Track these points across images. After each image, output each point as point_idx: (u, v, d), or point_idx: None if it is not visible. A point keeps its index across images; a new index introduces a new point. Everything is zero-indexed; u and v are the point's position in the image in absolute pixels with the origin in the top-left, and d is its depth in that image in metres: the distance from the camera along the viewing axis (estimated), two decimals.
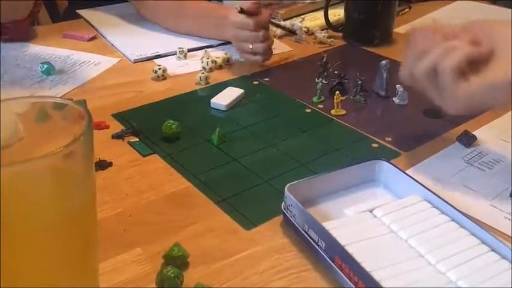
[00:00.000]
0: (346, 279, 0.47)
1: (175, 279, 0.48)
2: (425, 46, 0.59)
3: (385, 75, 0.83)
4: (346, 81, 0.85)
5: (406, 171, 0.61)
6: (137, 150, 0.69)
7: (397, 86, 0.81)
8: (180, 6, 1.03)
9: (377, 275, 0.46)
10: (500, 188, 0.63)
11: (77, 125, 0.38)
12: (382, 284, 0.45)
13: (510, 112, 0.78)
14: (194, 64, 0.94)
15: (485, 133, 0.73)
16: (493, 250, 0.50)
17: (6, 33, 0.99)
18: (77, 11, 1.17)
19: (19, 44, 1.01)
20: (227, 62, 0.95)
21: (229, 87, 0.84)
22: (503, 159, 0.68)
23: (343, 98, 0.79)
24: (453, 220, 0.54)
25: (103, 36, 1.07)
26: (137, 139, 0.71)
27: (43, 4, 1.32)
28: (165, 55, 0.98)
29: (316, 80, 0.85)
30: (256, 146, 0.71)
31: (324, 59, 0.88)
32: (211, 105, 0.80)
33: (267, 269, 0.51)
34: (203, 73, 0.88)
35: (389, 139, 0.72)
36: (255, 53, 0.92)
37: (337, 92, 0.79)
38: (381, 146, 0.71)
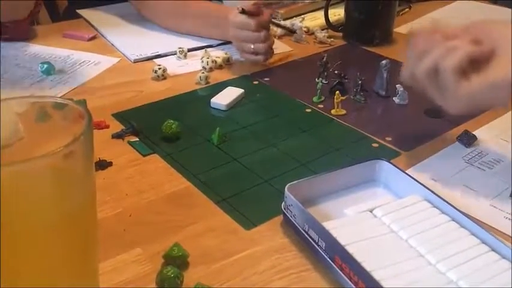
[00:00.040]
0: (347, 279, 0.47)
1: (175, 279, 0.48)
2: (426, 46, 0.59)
3: (385, 75, 0.83)
4: (346, 81, 0.85)
5: (406, 171, 0.61)
6: (137, 150, 0.69)
7: (397, 85, 0.81)
8: (180, 6, 1.03)
9: (377, 275, 0.46)
10: (500, 187, 0.63)
11: (77, 124, 0.38)
12: (383, 283, 0.45)
13: (510, 112, 0.78)
14: (194, 64, 0.94)
15: (486, 133, 0.73)
16: (493, 250, 0.50)
17: (7, 32, 0.99)
18: (77, 10, 1.17)
19: (19, 43, 1.01)
20: (227, 62, 0.95)
21: (229, 87, 0.84)
22: (504, 159, 0.68)
23: (344, 97, 0.79)
24: (453, 220, 0.54)
25: (103, 36, 1.07)
26: (137, 139, 0.71)
27: (43, 4, 1.32)
28: (165, 55, 0.98)
29: (316, 79, 0.85)
30: (256, 146, 0.71)
31: (324, 59, 0.88)
32: (211, 105, 0.80)
33: (267, 269, 0.51)
34: (203, 73, 0.88)
35: (390, 139, 0.72)
36: (256, 53, 0.92)
37: (338, 91, 0.79)
38: (381, 145, 0.71)
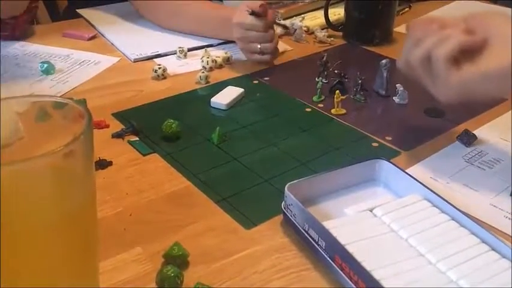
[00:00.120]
0: (347, 278, 0.47)
1: (175, 279, 0.48)
2: (421, 34, 0.60)
3: (385, 75, 0.83)
4: (346, 80, 0.85)
5: (406, 171, 0.61)
6: (137, 150, 0.69)
7: (397, 85, 0.81)
8: (180, 7, 1.03)
9: (377, 274, 0.46)
10: (500, 187, 0.63)
11: (77, 124, 0.38)
12: (383, 283, 0.45)
13: (510, 111, 0.78)
14: (194, 63, 0.94)
15: (486, 132, 0.73)
16: (493, 249, 0.50)
17: (6, 29, 0.99)
18: (77, 10, 1.17)
19: (19, 43, 1.01)
20: (227, 61, 0.95)
21: (229, 87, 0.84)
22: (504, 159, 0.68)
23: (343, 97, 0.79)
24: (453, 219, 0.54)
25: (103, 35, 1.06)
26: (137, 138, 0.71)
27: (43, 3, 1.32)
28: (165, 54, 0.98)
29: (316, 79, 0.85)
30: (256, 145, 0.71)
31: (324, 58, 0.88)
32: (212, 105, 0.80)
33: (267, 268, 0.51)
34: (203, 72, 0.88)
35: (390, 138, 0.72)
36: (262, 53, 0.92)
37: (338, 91, 0.79)
38: (381, 145, 0.71)
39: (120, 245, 0.53)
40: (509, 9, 1.13)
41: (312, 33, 1.08)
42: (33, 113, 0.40)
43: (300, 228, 0.53)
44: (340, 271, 0.48)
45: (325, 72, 0.87)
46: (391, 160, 0.62)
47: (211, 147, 0.70)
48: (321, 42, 1.05)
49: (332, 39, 1.05)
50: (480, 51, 0.57)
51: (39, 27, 1.17)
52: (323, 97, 0.82)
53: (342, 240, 0.49)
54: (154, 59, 0.96)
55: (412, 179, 0.58)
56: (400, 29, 1.08)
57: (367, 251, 0.50)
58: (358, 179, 0.61)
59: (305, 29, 1.08)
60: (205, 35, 1.02)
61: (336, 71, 0.85)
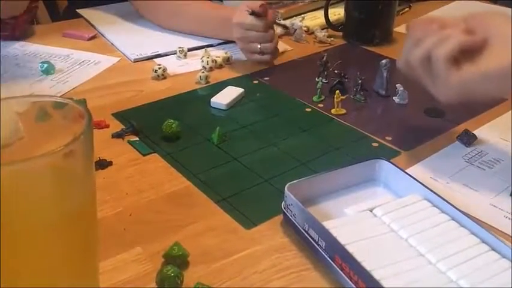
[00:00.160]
0: (347, 278, 0.47)
1: (175, 279, 0.48)
2: (421, 34, 0.60)
3: (385, 75, 0.83)
4: (346, 80, 0.85)
5: (406, 171, 0.61)
6: (137, 150, 0.69)
7: (397, 85, 0.81)
8: (180, 7, 1.03)
9: (377, 274, 0.46)
10: (500, 187, 0.63)
11: (77, 124, 0.38)
12: (383, 283, 0.45)
13: (510, 111, 0.78)
14: (194, 63, 0.94)
15: (486, 132, 0.73)
16: (493, 249, 0.50)
17: (6, 29, 0.99)
18: (77, 10, 1.17)
19: (19, 43, 1.01)
20: (227, 61, 0.95)
21: (229, 87, 0.84)
22: (504, 159, 0.68)
23: (343, 97, 0.79)
24: (453, 219, 0.54)
25: (103, 35, 1.07)
26: (137, 138, 0.71)
27: (43, 3, 1.32)
28: (165, 54, 0.98)
29: (316, 79, 0.85)
30: (256, 145, 0.71)
31: (324, 58, 0.88)
32: (212, 105, 0.80)
33: (267, 268, 0.51)
34: (203, 72, 0.88)
35: (390, 138, 0.72)
36: (263, 53, 0.92)
37: (337, 91, 0.79)
38: (381, 145, 0.71)
39: (120, 245, 0.53)
40: (509, 9, 1.13)
41: (312, 33, 1.08)
42: (33, 113, 0.40)
43: (300, 228, 0.53)
44: (340, 271, 0.48)
45: (325, 72, 0.87)
46: (391, 160, 0.62)
47: (211, 147, 0.70)
48: (321, 42, 1.05)
49: (332, 39, 1.05)
50: (480, 51, 0.57)
51: (39, 27, 1.17)
52: (323, 97, 0.82)
53: (342, 240, 0.49)
54: (154, 59, 0.96)
55: (412, 179, 0.58)
56: (400, 29, 1.08)
57: (367, 251, 0.50)
58: (358, 179, 0.61)
59: (305, 29, 1.08)
60: (205, 35, 1.02)
61: (336, 71, 0.85)
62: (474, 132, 0.72)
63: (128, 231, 0.55)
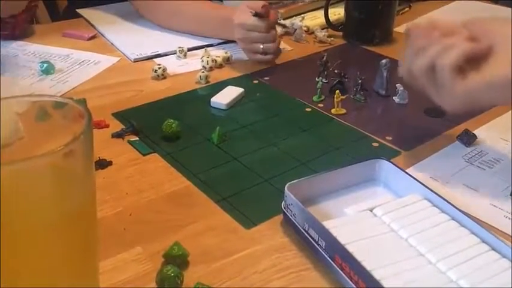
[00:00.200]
0: (347, 278, 0.47)
1: (175, 279, 0.48)
2: (424, 43, 0.59)
3: (385, 74, 0.83)
4: (346, 80, 0.85)
5: (406, 170, 0.61)
6: (137, 149, 0.69)
7: (397, 85, 0.81)
8: (180, 7, 1.03)
9: (377, 274, 0.46)
10: (500, 187, 0.63)
11: (77, 124, 0.38)
12: (383, 283, 0.45)
13: (510, 111, 0.78)
14: (194, 63, 0.94)
15: (486, 132, 0.73)
16: (493, 249, 0.50)
17: (6, 28, 0.99)
18: (77, 10, 1.17)
19: (19, 42, 1.01)
20: (227, 61, 0.95)
21: (229, 86, 0.84)
22: (504, 158, 0.68)
23: (344, 97, 0.79)
24: (453, 219, 0.54)
25: (103, 35, 1.06)
26: (137, 138, 0.71)
27: (43, 3, 1.32)
28: (165, 54, 0.98)
29: (316, 79, 0.85)
30: (256, 145, 0.71)
31: (324, 58, 0.88)
32: (211, 104, 0.80)
33: (267, 268, 0.51)
34: (203, 72, 0.88)
35: (390, 138, 0.72)
36: (265, 53, 0.92)
37: (338, 91, 0.79)
38: (381, 145, 0.71)
39: (120, 244, 0.53)
40: (510, 9, 1.13)
41: (312, 33, 1.08)
42: (33, 113, 0.40)
43: (300, 228, 0.53)
44: (340, 271, 0.48)
45: (325, 72, 0.87)
46: (391, 160, 0.62)
47: (211, 147, 0.70)
48: (321, 42, 1.05)
49: (332, 39, 1.05)
50: (485, 59, 0.56)
51: (39, 27, 1.17)
52: (323, 97, 0.82)
53: (342, 240, 0.49)
54: (154, 59, 0.96)
55: (412, 178, 0.58)
56: (400, 28, 1.08)
57: (367, 250, 0.50)
58: (358, 178, 0.61)
59: (305, 28, 1.08)
60: (205, 35, 1.02)
61: (336, 71, 0.85)
62: (474, 132, 0.72)
63: (128, 231, 0.55)
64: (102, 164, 0.65)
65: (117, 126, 0.74)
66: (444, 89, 0.58)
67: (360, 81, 0.82)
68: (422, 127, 0.76)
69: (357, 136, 0.73)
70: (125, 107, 0.79)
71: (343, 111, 0.79)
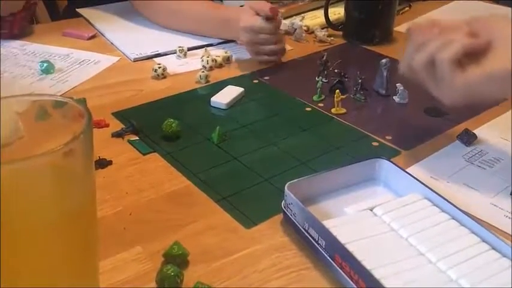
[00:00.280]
0: (347, 277, 0.47)
1: (175, 278, 0.48)
2: (424, 39, 0.60)
3: (385, 74, 0.83)
4: (346, 79, 0.85)
5: (407, 170, 0.61)
6: (137, 149, 0.69)
7: (397, 84, 0.81)
8: (180, 6, 1.03)
9: (377, 274, 0.46)
10: (500, 186, 0.63)
11: (77, 123, 0.38)
12: (383, 282, 0.45)
13: (510, 111, 0.78)
14: (194, 63, 0.94)
15: (486, 132, 0.73)
16: (493, 248, 0.50)
17: (5, 27, 0.99)
18: (77, 9, 1.17)
19: (19, 42, 1.01)
20: (227, 61, 0.95)
21: (229, 86, 0.84)
22: (504, 158, 0.68)
23: (344, 96, 0.79)
24: (453, 218, 0.54)
25: (103, 34, 1.06)
26: (137, 138, 0.71)
27: (43, 3, 1.32)
28: (165, 54, 0.98)
29: (316, 78, 0.85)
30: (256, 145, 0.71)
31: (324, 58, 0.88)
32: (211, 104, 0.80)
33: (267, 268, 0.51)
34: (203, 72, 0.88)
35: (390, 137, 0.72)
36: (271, 54, 0.92)
37: (338, 90, 0.79)
38: (381, 144, 0.71)
39: (120, 244, 0.53)
40: (509, 8, 1.13)
41: (312, 32, 1.08)
42: (33, 112, 0.40)
43: (300, 227, 0.53)
44: (340, 270, 0.48)
45: (325, 72, 0.87)
46: (391, 159, 0.62)
47: (211, 147, 0.70)
48: (321, 41, 1.05)
49: (332, 38, 1.05)
50: (484, 54, 0.57)
51: (38, 26, 1.17)
52: (323, 96, 0.82)
53: (342, 239, 0.49)
54: (154, 59, 0.96)
55: (412, 178, 0.58)
56: (400, 28, 1.08)
57: (367, 250, 0.50)
58: (358, 178, 0.61)
59: (305, 28, 1.08)
60: (205, 34, 1.02)
61: (336, 71, 0.85)
62: (474, 131, 0.72)
63: (128, 231, 0.55)
64: (102, 163, 0.65)
65: (117, 125, 0.74)
66: (444, 82, 0.59)
67: (360, 80, 0.82)
68: (423, 126, 0.76)
69: (357, 135, 0.73)
70: (124, 106, 0.79)
71: (343, 110, 0.79)
